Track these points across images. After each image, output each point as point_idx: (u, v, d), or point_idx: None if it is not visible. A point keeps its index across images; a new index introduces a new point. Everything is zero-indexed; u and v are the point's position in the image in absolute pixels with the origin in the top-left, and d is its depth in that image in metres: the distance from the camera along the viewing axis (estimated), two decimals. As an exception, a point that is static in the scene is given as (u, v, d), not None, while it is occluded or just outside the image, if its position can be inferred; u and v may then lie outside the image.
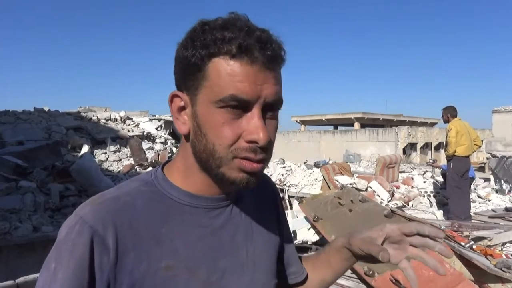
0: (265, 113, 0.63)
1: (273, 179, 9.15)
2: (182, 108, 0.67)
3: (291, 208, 7.31)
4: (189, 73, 0.63)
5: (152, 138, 12.46)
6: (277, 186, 0.83)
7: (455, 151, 5.84)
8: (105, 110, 14.37)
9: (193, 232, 0.68)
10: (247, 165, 0.63)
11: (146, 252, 0.64)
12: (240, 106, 0.61)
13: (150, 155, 10.64)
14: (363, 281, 2.77)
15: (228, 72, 0.60)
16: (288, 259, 0.89)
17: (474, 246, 3.42)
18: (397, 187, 7.93)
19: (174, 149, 11.75)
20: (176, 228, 0.67)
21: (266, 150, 0.63)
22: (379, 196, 6.73)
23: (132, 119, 13.62)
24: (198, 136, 0.64)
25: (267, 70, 0.62)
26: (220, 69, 0.60)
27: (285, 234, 0.89)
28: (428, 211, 6.58)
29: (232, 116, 0.61)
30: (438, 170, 8.96)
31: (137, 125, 13.28)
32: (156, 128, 13.67)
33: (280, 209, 0.89)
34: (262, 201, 0.83)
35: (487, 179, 10.23)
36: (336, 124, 34.72)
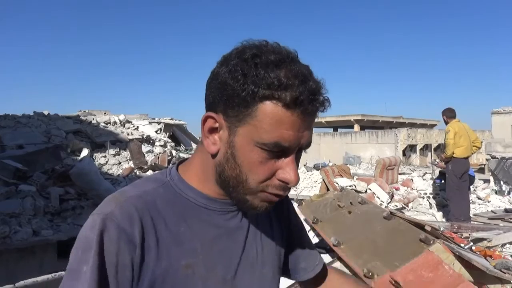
0: (296, 152, 0.66)
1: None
2: (214, 129, 0.67)
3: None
4: (234, 104, 0.63)
5: (151, 141, 12.47)
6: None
7: (453, 153, 5.85)
8: (105, 113, 14.40)
9: (210, 232, 0.71)
10: (273, 199, 0.68)
11: (166, 250, 0.66)
12: (280, 150, 0.63)
13: (149, 158, 10.64)
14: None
15: (277, 119, 0.61)
16: (296, 255, 0.93)
17: (473, 248, 3.42)
18: (397, 189, 7.94)
19: (174, 152, 11.75)
20: (194, 228, 0.70)
21: (290, 188, 0.68)
22: (378, 198, 6.73)
23: (131, 122, 13.63)
24: (231, 164, 0.66)
25: (311, 119, 0.65)
26: (269, 113, 0.61)
27: (293, 234, 0.93)
28: (427, 213, 6.59)
29: (269, 156, 0.64)
30: (437, 172, 8.97)
31: (137, 128, 13.30)
32: (156, 131, 13.69)
33: (285, 210, 0.91)
34: None
35: (486, 181, 10.23)
36: (335, 126, 34.73)
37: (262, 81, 0.60)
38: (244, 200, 0.68)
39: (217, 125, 0.67)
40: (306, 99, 0.61)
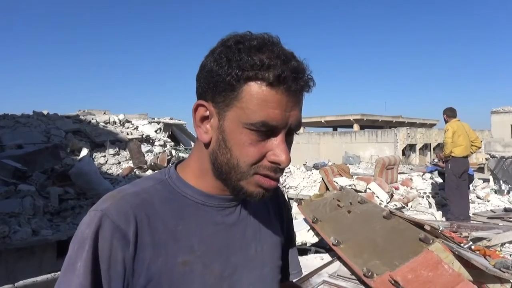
0: (286, 135, 0.67)
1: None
2: (205, 118, 0.69)
3: (290, 210, 7.32)
4: (220, 89, 0.65)
5: (151, 141, 12.47)
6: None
7: (451, 152, 5.86)
8: (104, 113, 14.39)
9: (208, 229, 0.72)
10: (266, 182, 0.67)
11: (163, 247, 0.66)
12: (268, 130, 0.65)
13: (149, 158, 10.64)
14: (362, 282, 2.77)
15: (262, 98, 0.63)
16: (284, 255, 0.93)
17: (473, 247, 3.42)
18: (396, 188, 7.94)
19: (173, 152, 11.75)
20: (191, 225, 0.70)
21: (283, 170, 0.68)
22: (378, 198, 6.73)
23: (131, 122, 13.62)
24: (222, 149, 0.67)
25: (297, 98, 0.66)
26: (254, 94, 0.63)
27: (288, 234, 0.93)
28: (427, 212, 6.59)
29: (258, 138, 0.65)
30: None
31: (136, 128, 13.29)
32: (155, 131, 13.68)
33: (283, 209, 0.92)
34: (267, 202, 0.86)
35: (486, 180, 10.24)
36: (335, 125, 34.70)
37: (245, 64, 0.62)
38: (239, 187, 0.68)
39: (207, 113, 0.68)
40: (289, 77, 0.63)
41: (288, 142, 0.68)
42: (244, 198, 0.72)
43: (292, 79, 0.63)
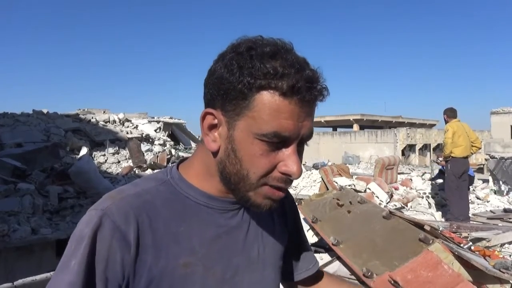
0: (297, 145, 0.65)
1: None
2: (213, 126, 0.67)
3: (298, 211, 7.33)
4: (231, 97, 0.62)
5: (151, 140, 12.47)
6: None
7: (451, 152, 5.86)
8: (104, 112, 14.36)
9: (210, 231, 0.71)
10: (275, 193, 0.66)
11: (164, 249, 0.65)
12: (280, 141, 0.63)
13: (149, 157, 10.64)
14: (361, 282, 2.77)
15: (274, 108, 0.60)
16: (296, 255, 0.93)
17: (472, 247, 3.42)
18: (396, 189, 7.95)
19: (173, 151, 11.75)
20: (193, 227, 0.69)
21: (292, 181, 0.67)
22: (377, 198, 6.74)
23: (131, 121, 13.62)
24: (232, 159, 0.65)
25: (310, 108, 0.64)
26: (266, 103, 0.61)
27: (295, 233, 0.92)
28: (426, 213, 6.59)
29: (270, 148, 0.63)
30: (436, 171, 8.97)
31: (136, 127, 13.29)
32: (155, 130, 13.67)
33: (287, 208, 0.91)
34: None
35: (485, 180, 10.24)
36: (335, 125, 34.76)
37: (258, 72, 0.60)
38: (247, 197, 0.67)
39: (216, 121, 0.66)
40: (303, 87, 0.60)
41: (299, 152, 0.66)
42: (252, 208, 0.71)
43: (306, 89, 0.61)
